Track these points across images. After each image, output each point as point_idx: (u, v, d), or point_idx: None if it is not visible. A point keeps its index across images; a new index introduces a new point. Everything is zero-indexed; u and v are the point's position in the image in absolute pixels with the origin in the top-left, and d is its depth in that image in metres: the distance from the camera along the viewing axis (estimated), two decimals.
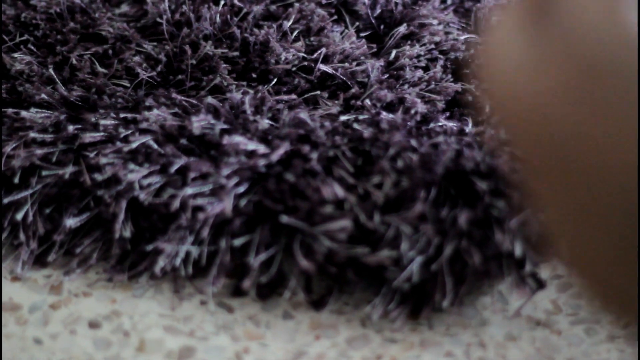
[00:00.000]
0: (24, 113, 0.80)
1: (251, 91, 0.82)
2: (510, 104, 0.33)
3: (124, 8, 0.93)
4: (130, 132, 0.77)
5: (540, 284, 0.72)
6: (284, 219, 0.72)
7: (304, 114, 0.78)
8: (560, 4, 0.32)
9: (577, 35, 0.30)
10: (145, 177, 0.74)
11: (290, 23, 0.89)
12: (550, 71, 0.31)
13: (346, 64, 0.85)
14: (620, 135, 0.28)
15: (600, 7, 0.30)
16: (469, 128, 0.81)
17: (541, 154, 0.32)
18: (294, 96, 0.82)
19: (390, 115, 0.80)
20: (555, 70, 0.31)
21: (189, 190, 0.73)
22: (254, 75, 0.85)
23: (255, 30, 0.88)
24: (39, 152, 0.76)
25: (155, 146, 0.76)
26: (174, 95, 0.81)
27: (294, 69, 0.85)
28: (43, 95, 0.81)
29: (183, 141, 0.76)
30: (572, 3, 0.31)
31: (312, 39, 0.88)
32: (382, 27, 0.92)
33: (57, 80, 0.83)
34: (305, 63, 0.85)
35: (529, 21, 0.34)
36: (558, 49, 0.31)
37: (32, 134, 0.77)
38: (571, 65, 0.30)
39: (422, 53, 0.88)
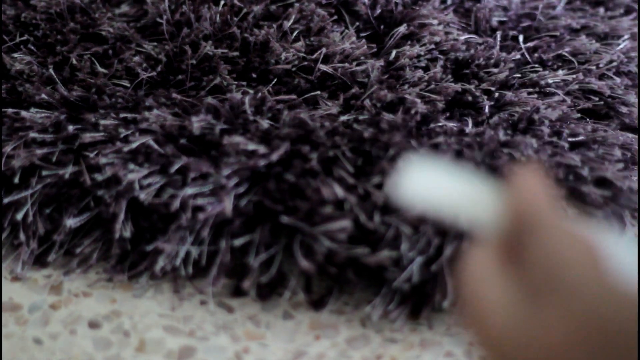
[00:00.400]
0: (24, 113, 0.80)
1: (251, 91, 0.82)
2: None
3: (124, 8, 0.93)
4: (130, 132, 0.77)
5: None
6: (284, 219, 0.72)
7: (304, 114, 0.78)
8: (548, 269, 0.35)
9: (577, 301, 0.33)
10: (145, 177, 0.74)
11: (290, 23, 0.89)
12: (557, 330, 0.33)
13: (346, 64, 0.85)
14: None
15: (591, 277, 0.34)
16: (469, 128, 0.81)
17: None
18: (294, 96, 0.82)
19: (391, 116, 0.80)
20: (565, 330, 0.33)
21: (189, 191, 0.73)
22: (254, 75, 0.85)
23: (255, 30, 0.88)
24: (39, 152, 0.76)
25: (155, 146, 0.76)
26: (174, 95, 0.81)
27: (294, 69, 0.85)
28: (43, 95, 0.81)
29: (183, 141, 0.76)
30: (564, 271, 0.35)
31: (312, 39, 0.88)
32: (382, 27, 0.92)
33: (57, 80, 0.83)
34: (305, 63, 0.85)
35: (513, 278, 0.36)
36: (558, 311, 0.33)
37: (32, 134, 0.77)
38: (576, 325, 0.33)
39: (422, 53, 0.88)
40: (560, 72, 0.89)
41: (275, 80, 0.84)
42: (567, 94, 0.87)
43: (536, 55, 0.91)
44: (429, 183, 0.41)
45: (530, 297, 0.35)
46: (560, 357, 0.33)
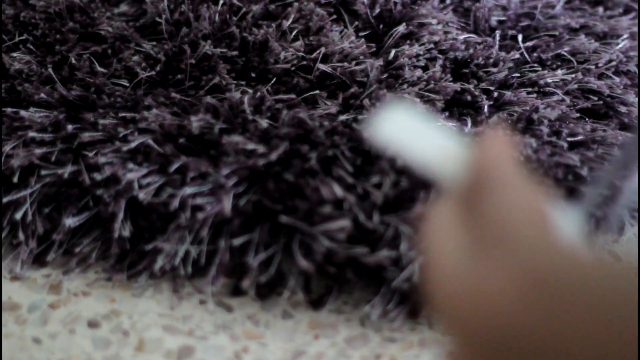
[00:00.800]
0: (23, 112, 0.80)
1: (250, 91, 0.82)
2: (455, 302, 0.37)
3: (123, 7, 0.93)
4: (129, 131, 0.77)
5: None
6: (283, 218, 0.72)
7: (303, 114, 0.78)
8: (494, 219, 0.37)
9: (519, 250, 0.35)
10: (144, 176, 0.74)
11: (289, 22, 0.89)
12: (497, 279, 0.35)
13: (345, 64, 0.85)
14: (569, 339, 0.32)
15: (538, 234, 0.36)
16: (468, 128, 0.81)
17: (495, 353, 0.35)
18: (293, 96, 0.82)
19: None
20: (504, 279, 0.35)
21: (188, 190, 0.73)
22: (253, 75, 0.85)
23: (255, 29, 0.88)
24: (38, 151, 0.76)
25: (154, 146, 0.76)
26: (173, 94, 0.81)
27: (293, 68, 0.85)
28: (42, 95, 0.81)
29: (182, 140, 0.76)
30: (505, 218, 0.37)
31: (311, 38, 0.88)
32: (381, 26, 0.92)
33: (56, 79, 0.83)
34: (305, 62, 0.85)
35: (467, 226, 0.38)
36: (501, 262, 0.35)
37: (31, 134, 0.77)
38: (515, 275, 0.35)
39: (421, 52, 0.88)
40: (559, 71, 0.89)
41: (274, 79, 0.84)
42: (566, 93, 0.87)
43: (535, 54, 0.91)
44: (405, 128, 0.43)
45: (479, 248, 0.36)
46: (499, 305, 0.34)
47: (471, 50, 0.89)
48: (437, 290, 0.37)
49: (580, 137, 0.82)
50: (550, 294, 0.33)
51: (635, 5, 1.01)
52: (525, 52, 0.91)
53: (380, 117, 0.43)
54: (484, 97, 0.85)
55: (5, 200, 0.75)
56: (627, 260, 0.34)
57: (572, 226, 0.41)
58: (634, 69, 0.92)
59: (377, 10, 0.93)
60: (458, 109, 0.84)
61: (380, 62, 0.86)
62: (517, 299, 0.34)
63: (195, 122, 0.77)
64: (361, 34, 0.91)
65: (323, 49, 0.86)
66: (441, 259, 0.38)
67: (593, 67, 0.90)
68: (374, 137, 0.43)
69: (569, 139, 0.81)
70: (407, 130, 0.43)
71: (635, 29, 0.96)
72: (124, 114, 0.79)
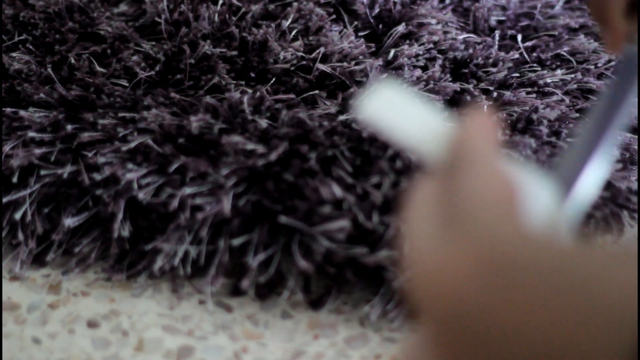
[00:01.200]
0: (22, 112, 0.80)
1: (250, 90, 0.82)
2: (425, 283, 0.37)
3: (123, 7, 0.93)
4: (128, 131, 0.77)
5: None
6: (283, 219, 0.72)
7: (302, 114, 0.78)
8: (465, 204, 0.38)
9: (483, 234, 0.36)
10: (143, 176, 0.74)
11: (288, 22, 0.89)
12: (458, 259, 0.36)
13: (345, 64, 0.85)
14: (519, 321, 0.33)
15: (502, 216, 0.37)
16: None
17: (452, 333, 0.36)
18: (292, 95, 0.82)
19: None
20: (464, 260, 0.35)
21: (187, 190, 0.73)
22: (253, 75, 0.85)
23: (254, 29, 0.88)
24: (38, 151, 0.76)
25: (153, 146, 0.76)
26: (172, 94, 0.81)
27: (292, 68, 0.85)
28: (41, 95, 0.81)
29: (181, 141, 0.76)
30: (475, 207, 0.37)
31: (310, 38, 0.88)
32: (380, 26, 0.92)
33: (56, 79, 0.83)
34: (304, 62, 0.85)
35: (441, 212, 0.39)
36: (464, 241, 0.36)
37: (30, 134, 0.77)
38: (476, 256, 0.35)
39: (421, 52, 0.88)
40: (558, 71, 0.89)
41: (273, 79, 0.84)
42: (566, 93, 0.87)
43: (535, 54, 0.91)
44: (391, 106, 0.43)
45: (446, 228, 0.37)
46: (458, 285, 0.35)
47: (470, 50, 0.89)
48: (409, 267, 0.38)
49: None
50: (505, 277, 0.34)
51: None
52: (524, 52, 0.91)
53: (368, 96, 0.44)
54: (484, 97, 0.85)
55: (4, 200, 0.75)
56: (598, 250, 0.34)
57: (544, 207, 0.41)
58: None
59: (377, 10, 0.93)
60: (457, 109, 0.84)
61: (379, 62, 0.86)
62: (474, 280, 0.34)
63: (195, 122, 0.77)
64: (360, 33, 0.91)
65: (322, 49, 0.86)
66: (414, 237, 0.38)
67: (592, 67, 0.90)
68: (361, 115, 0.44)
69: (568, 139, 0.81)
70: (393, 108, 0.43)
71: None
72: (123, 114, 0.79)
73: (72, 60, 0.85)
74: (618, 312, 0.31)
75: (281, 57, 0.85)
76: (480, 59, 0.88)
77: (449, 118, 0.43)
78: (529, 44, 0.93)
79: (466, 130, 0.41)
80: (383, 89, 0.44)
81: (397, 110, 0.43)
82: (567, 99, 0.86)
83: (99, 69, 0.84)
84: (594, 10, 0.60)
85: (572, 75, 0.88)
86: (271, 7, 0.91)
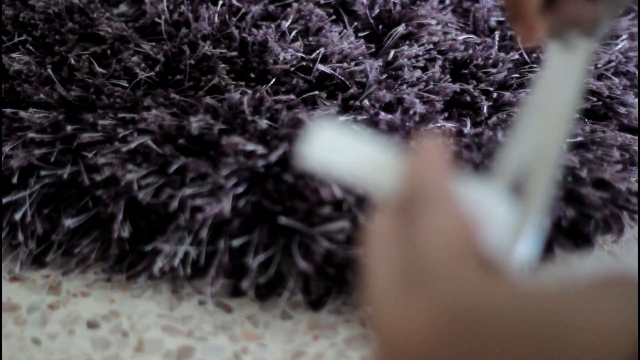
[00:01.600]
0: (22, 113, 0.80)
1: (250, 91, 0.82)
2: (386, 333, 0.36)
3: (123, 8, 0.93)
4: (128, 132, 0.77)
5: None
6: (283, 219, 0.72)
7: (302, 114, 0.78)
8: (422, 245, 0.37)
9: (443, 290, 0.35)
10: (143, 177, 0.74)
11: (288, 23, 0.89)
12: (417, 318, 0.35)
13: (345, 64, 0.85)
14: None
15: (462, 268, 0.35)
16: (467, 129, 0.81)
17: None
18: (292, 96, 0.82)
19: (389, 116, 0.80)
20: (424, 317, 0.34)
21: (187, 191, 0.73)
22: (253, 75, 0.85)
23: (254, 30, 0.88)
24: (38, 152, 0.76)
25: (153, 146, 0.76)
26: (172, 95, 0.81)
27: (292, 69, 0.85)
28: (41, 95, 0.81)
29: (181, 141, 0.76)
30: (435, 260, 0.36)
31: (310, 39, 0.88)
32: (380, 27, 0.92)
33: (56, 80, 0.83)
34: (304, 63, 0.85)
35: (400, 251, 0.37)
36: (424, 297, 0.35)
37: (30, 134, 0.77)
38: (437, 313, 0.34)
39: (421, 53, 0.88)
40: None
41: (273, 80, 0.84)
42: None
43: (534, 55, 0.91)
44: (334, 147, 0.42)
45: (407, 279, 0.36)
46: (425, 343, 0.34)
47: (470, 51, 0.89)
48: (371, 314, 0.37)
49: (579, 139, 0.82)
50: (471, 332, 0.33)
51: (635, 6, 1.01)
52: (524, 53, 0.91)
53: (307, 141, 0.42)
54: (484, 97, 0.85)
55: (4, 200, 0.75)
56: (561, 282, 0.34)
57: (504, 228, 0.40)
58: (634, 69, 0.92)
59: (377, 10, 0.93)
60: (457, 109, 0.84)
61: (379, 62, 0.86)
62: (440, 337, 0.34)
63: (195, 123, 0.77)
64: (360, 34, 0.91)
65: (322, 50, 0.86)
66: (374, 285, 0.37)
67: (592, 67, 0.90)
68: (304, 163, 0.42)
69: (568, 140, 0.81)
70: (336, 148, 0.42)
71: (635, 29, 0.96)
72: (123, 115, 0.79)
73: (72, 61, 0.85)
74: (596, 352, 0.31)
75: (281, 58, 0.85)
76: (480, 59, 0.88)
77: (397, 149, 0.42)
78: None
79: (417, 162, 0.40)
80: (322, 131, 0.42)
81: (340, 149, 0.42)
82: None
83: (98, 69, 0.84)
84: (509, 5, 0.58)
85: None
86: (271, 7, 0.91)
